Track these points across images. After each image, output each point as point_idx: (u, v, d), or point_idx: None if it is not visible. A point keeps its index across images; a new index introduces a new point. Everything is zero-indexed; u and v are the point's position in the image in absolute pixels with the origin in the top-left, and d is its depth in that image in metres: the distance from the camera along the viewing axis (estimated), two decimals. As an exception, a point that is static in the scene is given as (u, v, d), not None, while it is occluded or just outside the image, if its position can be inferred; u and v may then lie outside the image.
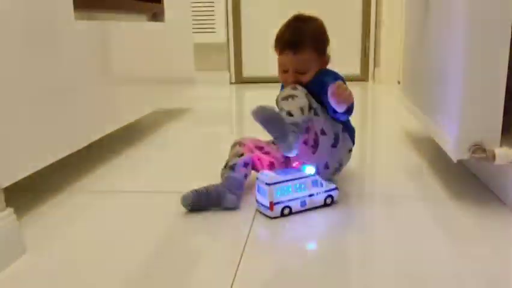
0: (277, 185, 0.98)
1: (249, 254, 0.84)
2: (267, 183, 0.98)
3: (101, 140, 1.33)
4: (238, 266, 0.79)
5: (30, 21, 1.01)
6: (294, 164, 1.10)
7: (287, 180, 1.00)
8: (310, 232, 0.95)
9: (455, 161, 1.01)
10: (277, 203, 0.98)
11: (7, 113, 0.92)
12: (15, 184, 0.91)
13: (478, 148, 0.98)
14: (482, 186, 1.15)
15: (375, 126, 2.10)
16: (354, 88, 3.38)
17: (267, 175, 1.00)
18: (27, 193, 1.13)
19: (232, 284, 0.74)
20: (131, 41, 1.56)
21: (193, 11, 2.39)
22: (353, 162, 1.38)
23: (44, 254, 0.86)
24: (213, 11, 3.27)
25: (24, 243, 0.86)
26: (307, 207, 1.02)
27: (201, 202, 1.01)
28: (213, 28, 3.30)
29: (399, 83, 3.04)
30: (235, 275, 0.77)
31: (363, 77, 3.29)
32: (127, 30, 1.52)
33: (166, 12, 1.85)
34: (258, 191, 1.01)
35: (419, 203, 1.08)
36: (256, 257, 0.84)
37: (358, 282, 0.77)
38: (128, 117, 1.55)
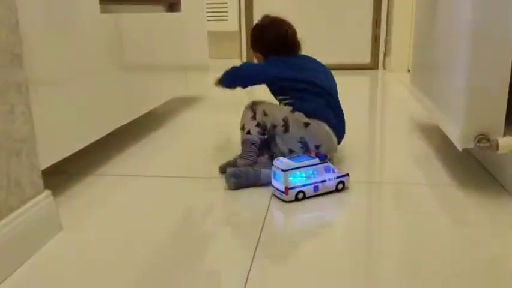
0: (291, 171, 1.05)
1: (266, 237, 0.91)
2: (282, 170, 1.05)
3: (123, 127, 1.41)
4: (255, 248, 0.87)
5: (63, 16, 1.08)
6: (307, 152, 1.17)
7: (301, 167, 1.07)
8: (322, 216, 1.02)
9: (460, 149, 1.07)
10: (292, 188, 1.05)
11: (47, 98, 0.99)
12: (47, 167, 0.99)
13: (483, 138, 1.04)
14: (486, 173, 1.21)
15: (384, 114, 2.15)
16: (364, 76, 3.39)
17: (283, 161, 1.07)
18: (58, 175, 1.21)
19: (251, 265, 0.81)
20: (150, 31, 1.62)
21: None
22: (362, 150, 1.44)
23: (78, 232, 0.94)
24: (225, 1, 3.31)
25: (60, 222, 0.93)
26: (320, 192, 1.09)
27: (244, 181, 1.13)
28: (225, 16, 3.34)
29: (409, 71, 3.08)
30: (253, 257, 0.84)
31: (373, 65, 3.32)
32: (146, 21, 1.59)
33: (182, 3, 1.90)
34: (273, 177, 1.08)
35: (426, 189, 1.14)
36: (273, 240, 0.91)
37: (364, 265, 0.84)
38: (148, 105, 1.63)
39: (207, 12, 2.63)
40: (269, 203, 1.05)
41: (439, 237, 0.90)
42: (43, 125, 0.98)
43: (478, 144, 1.04)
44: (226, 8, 3.32)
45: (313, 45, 3.27)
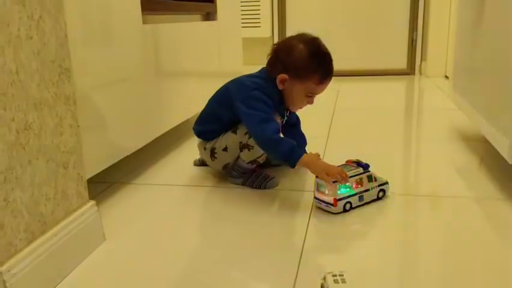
0: (339, 183, 1.04)
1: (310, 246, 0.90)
2: (333, 181, 1.04)
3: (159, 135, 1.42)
4: (300, 258, 0.85)
5: (107, 29, 1.10)
6: (346, 161, 1.15)
7: (351, 177, 1.06)
8: (362, 228, 1.00)
9: (510, 162, 1.03)
10: (340, 199, 1.04)
11: (92, 109, 1.01)
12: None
13: (535, 150, 0.99)
14: (538, 187, 1.16)
15: (422, 121, 2.10)
16: (400, 82, 3.34)
17: None
18: (97, 185, 1.23)
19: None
20: (187, 40, 1.63)
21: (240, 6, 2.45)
22: (399, 160, 1.40)
23: (121, 242, 0.94)
24: (258, 5, 3.31)
25: (103, 232, 0.95)
26: (364, 201, 1.08)
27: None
28: (258, 23, 3.34)
29: (447, 77, 3.00)
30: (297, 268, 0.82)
31: (409, 70, 3.25)
32: (184, 30, 1.60)
33: (219, 11, 1.91)
34: (318, 189, 1.07)
35: (470, 203, 1.10)
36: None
37: (404, 277, 0.81)
38: (186, 114, 1.64)
39: (240, 19, 2.63)
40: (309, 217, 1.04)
41: (486, 256, 0.86)
42: (87, 135, 1.00)
43: (530, 158, 0.99)
44: (259, 14, 3.32)
45: (349, 50, 3.26)
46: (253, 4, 3.31)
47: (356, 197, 1.06)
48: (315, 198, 1.07)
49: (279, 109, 1.20)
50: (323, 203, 1.05)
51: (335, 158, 1.38)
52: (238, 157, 1.20)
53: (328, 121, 1.94)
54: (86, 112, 1.00)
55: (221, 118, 1.22)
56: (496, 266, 0.83)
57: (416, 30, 3.18)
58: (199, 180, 1.29)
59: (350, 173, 1.06)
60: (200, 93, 1.77)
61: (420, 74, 3.23)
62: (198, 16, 1.82)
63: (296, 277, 0.80)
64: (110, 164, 1.13)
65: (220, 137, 1.22)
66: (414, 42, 3.20)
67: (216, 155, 1.23)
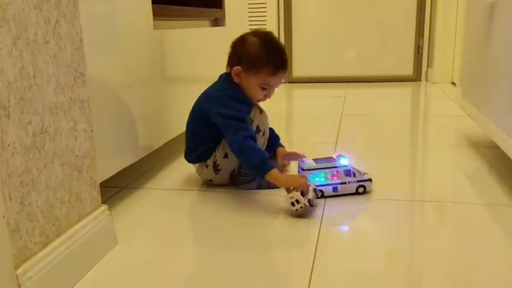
0: (311, 171, 1.16)
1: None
2: (302, 169, 1.17)
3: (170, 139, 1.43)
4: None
5: (120, 34, 1.11)
6: (334, 156, 1.22)
7: (321, 168, 1.17)
8: (370, 234, 0.99)
9: (523, 169, 1.02)
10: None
11: (105, 113, 1.02)
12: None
13: (548, 156, 0.99)
14: (549, 194, 1.15)
15: (429, 127, 2.10)
16: (406, 88, 3.34)
17: (306, 163, 1.19)
18: (105, 190, 1.23)
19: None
20: (195, 45, 1.65)
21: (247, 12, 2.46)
22: (407, 166, 1.40)
23: (132, 246, 0.95)
24: (265, 11, 3.33)
25: (115, 236, 0.95)
26: (339, 192, 1.17)
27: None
28: (264, 28, 3.35)
29: (453, 84, 2.99)
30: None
31: (415, 77, 3.26)
32: (191, 35, 1.61)
33: (227, 17, 1.92)
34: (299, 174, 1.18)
35: (480, 209, 1.09)
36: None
37: (412, 283, 0.81)
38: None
39: (248, 25, 2.65)
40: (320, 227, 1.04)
41: (496, 263, 0.85)
42: (100, 139, 1.00)
43: (542, 164, 0.99)
44: (266, 21, 3.34)
45: (355, 57, 3.27)
46: (260, 11, 3.33)
47: (329, 187, 1.16)
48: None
49: (248, 103, 1.20)
50: None
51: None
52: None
53: (336, 127, 1.94)
54: (98, 116, 1.01)
55: (209, 136, 1.22)
56: (507, 274, 0.82)
57: (423, 37, 3.18)
58: (210, 184, 1.29)
59: (322, 165, 1.17)
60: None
61: (427, 80, 3.23)
62: (207, 22, 1.83)
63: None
64: (122, 168, 1.13)
65: (217, 149, 1.22)
66: (420, 49, 3.21)
67: (219, 167, 1.22)
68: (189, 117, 1.28)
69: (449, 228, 1.01)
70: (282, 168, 1.30)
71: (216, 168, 1.22)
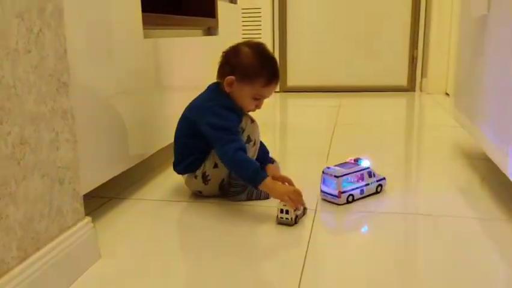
0: (344, 177, 1.16)
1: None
2: (335, 176, 1.16)
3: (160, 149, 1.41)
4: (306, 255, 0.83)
5: (108, 43, 1.09)
6: (350, 160, 1.26)
7: (350, 173, 1.19)
8: (361, 247, 0.97)
9: (515, 183, 1.01)
10: (344, 192, 1.15)
11: (90, 121, 1.00)
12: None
13: (540, 171, 0.97)
14: (541, 208, 1.14)
15: (423, 138, 2.09)
16: (400, 98, 3.33)
17: (335, 169, 1.19)
18: (92, 200, 1.21)
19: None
20: (187, 54, 1.63)
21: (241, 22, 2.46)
22: (399, 178, 1.39)
23: (116, 260, 0.92)
24: (259, 21, 3.33)
25: (99, 249, 0.92)
26: (365, 194, 1.20)
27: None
28: (259, 38, 3.35)
29: (447, 94, 2.99)
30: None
31: (410, 87, 3.26)
32: (184, 44, 1.60)
33: (220, 26, 1.91)
34: (324, 183, 1.19)
35: (472, 223, 1.08)
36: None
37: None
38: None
39: (242, 34, 2.64)
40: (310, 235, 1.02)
41: (489, 280, 0.84)
42: (85, 150, 0.98)
43: (534, 178, 0.98)
44: (260, 30, 3.34)
45: (350, 67, 3.27)
46: (255, 20, 3.33)
47: (358, 190, 1.18)
48: (321, 191, 1.19)
49: (239, 113, 1.19)
50: (329, 195, 1.17)
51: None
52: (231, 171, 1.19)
53: (329, 137, 1.92)
54: (84, 126, 0.99)
55: (197, 147, 1.20)
56: (493, 278, 0.81)
57: (417, 47, 3.19)
58: (199, 196, 1.27)
59: (350, 170, 1.19)
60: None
61: (421, 90, 3.23)
62: (199, 31, 1.82)
63: (296, 299, 0.77)
64: (108, 179, 1.11)
65: (207, 159, 1.20)
66: (414, 59, 3.21)
67: (208, 177, 1.20)
68: (177, 128, 1.26)
69: (442, 242, 0.99)
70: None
71: (205, 178, 1.20)
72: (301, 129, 2.19)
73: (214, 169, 1.19)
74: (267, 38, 3.34)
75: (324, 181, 1.19)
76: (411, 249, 0.98)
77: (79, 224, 0.88)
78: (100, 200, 1.22)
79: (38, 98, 0.76)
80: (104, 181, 1.09)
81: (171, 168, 1.28)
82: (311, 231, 1.03)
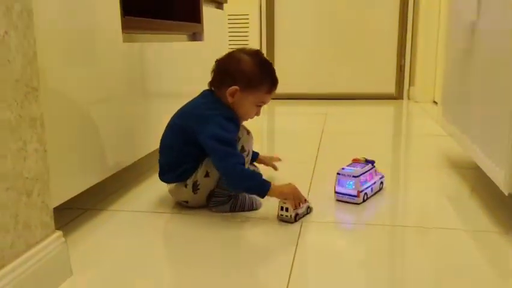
0: (361, 177, 1.19)
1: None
2: (354, 176, 1.19)
3: (141, 158, 1.35)
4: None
5: (84, 47, 1.04)
6: (353, 159, 1.31)
7: (365, 172, 1.22)
8: (349, 261, 0.93)
9: (506, 193, 0.98)
10: (361, 191, 1.19)
11: (63, 129, 0.95)
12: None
13: (532, 182, 0.95)
14: (532, 219, 1.11)
15: (410, 147, 2.06)
16: (388, 106, 3.33)
17: (352, 170, 1.22)
18: (67, 212, 1.15)
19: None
20: (171, 60, 1.59)
21: (228, 28, 2.42)
22: (386, 188, 1.35)
23: (89, 277, 0.87)
24: (247, 27, 3.30)
25: (70, 265, 0.87)
26: (374, 192, 1.26)
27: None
28: (247, 45, 3.32)
29: (435, 103, 2.99)
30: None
31: (397, 95, 3.25)
32: (167, 50, 1.55)
33: (205, 32, 1.87)
34: (339, 184, 1.21)
35: (463, 235, 1.04)
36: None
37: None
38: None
39: (229, 40, 2.61)
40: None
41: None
42: (57, 160, 0.93)
43: (526, 189, 0.95)
44: (248, 37, 3.31)
45: (337, 74, 3.25)
46: (242, 27, 3.30)
47: (370, 189, 1.23)
48: (337, 192, 1.21)
49: (237, 122, 1.17)
50: (346, 196, 1.20)
51: (322, 183, 1.34)
52: (219, 181, 1.14)
53: (316, 145, 1.89)
54: (56, 134, 0.94)
55: (191, 154, 1.15)
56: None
57: (404, 55, 3.18)
58: (182, 206, 1.21)
59: (364, 169, 1.22)
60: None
61: (409, 99, 3.22)
62: (184, 36, 1.78)
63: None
64: (83, 190, 1.05)
65: (199, 167, 1.15)
66: (402, 67, 3.20)
67: (199, 186, 1.15)
68: (165, 135, 1.21)
69: (431, 255, 0.95)
70: (275, 167, 1.41)
71: (195, 187, 1.15)
72: (289, 137, 2.16)
73: (205, 178, 1.15)
74: (254, 45, 3.31)
75: (339, 182, 1.21)
76: (399, 262, 0.95)
77: (49, 239, 0.82)
78: (75, 212, 1.16)
79: (3, 105, 0.70)
80: (78, 192, 1.04)
81: (152, 177, 1.23)
82: (297, 243, 0.98)
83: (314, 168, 1.55)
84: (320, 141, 1.98)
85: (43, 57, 0.85)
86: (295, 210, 1.08)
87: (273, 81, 1.18)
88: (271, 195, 1.09)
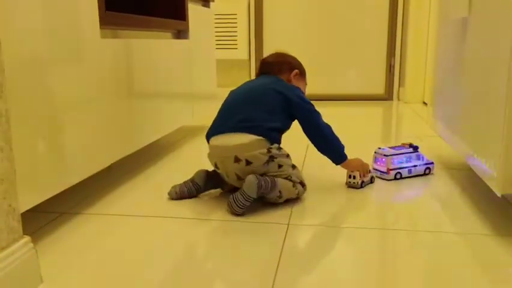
0: (393, 156, 1.37)
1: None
2: (385, 155, 1.37)
3: (119, 160, 1.30)
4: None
5: (58, 39, 0.99)
6: (404, 144, 1.47)
7: (399, 154, 1.39)
8: (337, 263, 0.89)
9: (499, 195, 0.94)
10: (392, 169, 1.37)
11: (29, 133, 0.89)
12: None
13: (525, 183, 0.91)
14: (525, 222, 1.07)
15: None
16: (378, 107, 3.30)
17: (385, 150, 1.40)
18: (41, 215, 1.09)
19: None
20: (155, 58, 1.53)
21: (216, 27, 2.37)
22: (376, 190, 1.32)
23: (62, 285, 0.81)
24: (235, 27, 3.26)
25: (40, 273, 0.81)
26: (413, 174, 1.40)
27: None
28: (235, 44, 3.28)
29: (425, 103, 2.97)
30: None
31: (387, 96, 3.22)
32: (151, 47, 1.50)
33: (191, 30, 1.83)
34: (375, 161, 1.41)
35: (455, 238, 1.01)
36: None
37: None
38: (151, 137, 1.52)
39: (217, 40, 2.56)
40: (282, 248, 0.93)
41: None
42: (27, 160, 0.87)
43: (519, 191, 0.91)
44: (236, 36, 3.27)
45: (327, 75, 3.22)
46: (231, 26, 3.26)
47: (406, 170, 1.39)
48: (373, 169, 1.40)
49: None
50: (379, 172, 1.39)
51: (313, 184, 1.30)
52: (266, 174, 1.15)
53: (304, 147, 1.84)
54: (26, 132, 0.88)
55: (281, 120, 1.24)
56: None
57: (394, 56, 3.16)
58: (162, 210, 1.16)
59: (400, 151, 1.39)
60: (167, 115, 1.66)
61: (398, 99, 3.20)
62: (169, 34, 1.73)
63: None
64: (57, 193, 1.00)
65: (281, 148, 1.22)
66: (392, 68, 3.18)
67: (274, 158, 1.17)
68: (258, 97, 1.25)
69: (422, 258, 0.91)
70: None
71: (271, 158, 1.16)
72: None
73: (287, 159, 1.23)
74: (243, 44, 3.28)
75: (375, 160, 1.41)
76: (389, 265, 0.90)
77: (16, 245, 0.77)
78: (49, 216, 1.10)
79: (-38, 100, 0.65)
80: (51, 195, 0.98)
81: (133, 179, 1.17)
82: (282, 248, 0.94)
83: (302, 170, 1.50)
84: (309, 142, 1.93)
85: (8, 51, 0.80)
86: (361, 178, 1.29)
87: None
88: (343, 165, 1.28)
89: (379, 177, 1.38)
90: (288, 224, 1.06)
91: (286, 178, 1.16)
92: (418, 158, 1.42)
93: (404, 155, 1.39)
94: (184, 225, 1.08)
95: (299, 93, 1.31)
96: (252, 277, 0.84)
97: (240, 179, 1.14)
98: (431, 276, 0.85)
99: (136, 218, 1.12)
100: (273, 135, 1.19)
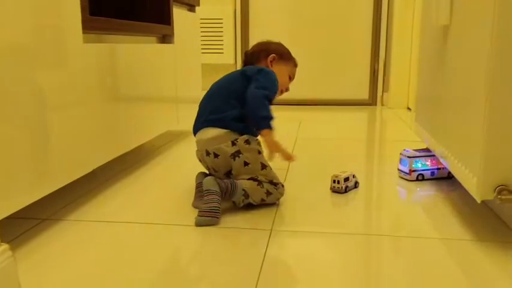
0: (415, 158, 1.42)
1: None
2: (408, 156, 1.43)
3: (103, 164, 1.28)
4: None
5: (39, 44, 0.98)
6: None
7: (423, 156, 1.43)
8: (319, 269, 0.89)
9: (478, 201, 0.96)
10: (414, 170, 1.42)
11: (7, 137, 0.88)
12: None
13: (504, 189, 0.93)
14: (506, 226, 1.09)
15: (384, 153, 2.05)
16: (362, 113, 3.33)
17: (409, 151, 1.46)
18: (21, 222, 1.08)
19: None
20: (139, 62, 1.53)
21: (201, 32, 2.37)
22: (359, 196, 1.33)
23: (40, 294, 0.80)
24: (221, 32, 3.26)
25: (19, 283, 0.80)
26: (436, 176, 1.44)
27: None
28: (221, 49, 3.28)
29: (409, 109, 3.00)
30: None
31: (371, 101, 3.25)
32: (136, 52, 1.49)
33: (176, 34, 1.82)
34: (401, 163, 1.47)
35: (436, 244, 1.02)
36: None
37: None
38: (135, 141, 1.51)
39: (202, 44, 2.56)
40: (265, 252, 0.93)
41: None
42: (7, 165, 0.86)
43: (499, 196, 0.93)
44: (222, 41, 3.27)
45: (311, 80, 3.24)
46: (217, 30, 3.26)
47: (428, 172, 1.43)
48: (398, 169, 1.48)
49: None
50: (402, 173, 1.46)
51: (297, 189, 1.30)
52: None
53: (289, 149, 1.85)
54: (6, 137, 0.87)
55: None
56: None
57: (378, 61, 3.19)
58: (146, 217, 1.15)
59: (423, 154, 1.43)
60: (152, 119, 1.66)
61: (382, 105, 3.23)
62: (154, 39, 1.72)
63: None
64: (37, 199, 0.98)
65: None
66: (376, 73, 3.22)
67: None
68: (226, 85, 1.28)
69: (404, 264, 0.92)
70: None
71: (237, 153, 1.17)
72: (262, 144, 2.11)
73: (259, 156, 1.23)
74: (229, 49, 3.28)
75: (401, 161, 1.47)
76: (372, 271, 0.91)
77: (-7, 253, 0.75)
78: (29, 222, 1.08)
79: None
80: (31, 201, 0.96)
81: (115, 185, 1.16)
82: (265, 254, 0.94)
83: (286, 175, 1.51)
84: (294, 147, 1.94)
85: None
86: (345, 183, 1.31)
87: (295, 61, 1.47)
88: (266, 137, 1.17)
89: (402, 178, 1.45)
90: (271, 230, 1.06)
91: (251, 179, 1.16)
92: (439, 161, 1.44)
93: (428, 158, 1.43)
94: (167, 231, 1.07)
95: (266, 75, 1.25)
96: (234, 284, 0.84)
97: (216, 171, 1.21)
98: (413, 282, 0.85)
99: (118, 225, 1.11)
100: (236, 126, 1.19)
